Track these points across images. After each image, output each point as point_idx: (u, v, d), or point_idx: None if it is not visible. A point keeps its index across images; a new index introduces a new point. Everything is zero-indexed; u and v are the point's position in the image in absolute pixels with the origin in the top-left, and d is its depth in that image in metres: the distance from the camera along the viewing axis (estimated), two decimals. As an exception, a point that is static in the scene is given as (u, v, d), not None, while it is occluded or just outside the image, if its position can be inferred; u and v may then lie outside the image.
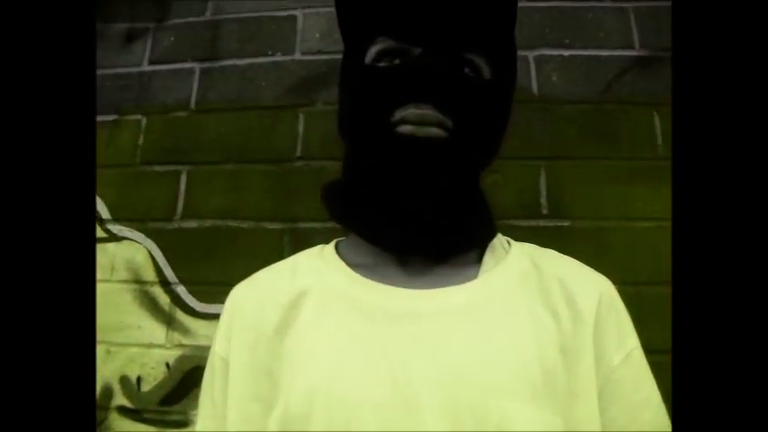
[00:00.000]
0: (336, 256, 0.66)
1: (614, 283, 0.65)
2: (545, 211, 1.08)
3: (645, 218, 1.08)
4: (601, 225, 1.06)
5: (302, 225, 1.09)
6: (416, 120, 0.57)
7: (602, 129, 1.13)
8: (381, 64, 0.61)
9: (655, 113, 1.14)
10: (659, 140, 1.12)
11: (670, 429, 0.62)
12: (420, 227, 0.60)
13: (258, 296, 0.65)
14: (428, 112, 0.57)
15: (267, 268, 0.70)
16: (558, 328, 0.59)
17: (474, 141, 0.60)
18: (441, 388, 0.54)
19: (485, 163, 0.65)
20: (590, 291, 0.63)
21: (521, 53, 1.04)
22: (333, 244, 0.69)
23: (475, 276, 0.62)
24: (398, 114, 0.57)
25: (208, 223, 1.13)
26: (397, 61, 0.60)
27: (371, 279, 0.62)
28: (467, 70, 0.60)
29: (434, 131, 0.57)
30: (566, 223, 1.06)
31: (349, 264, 0.64)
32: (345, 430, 0.54)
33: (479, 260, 0.64)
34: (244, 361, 0.62)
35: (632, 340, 0.64)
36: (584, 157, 1.11)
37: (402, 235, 0.61)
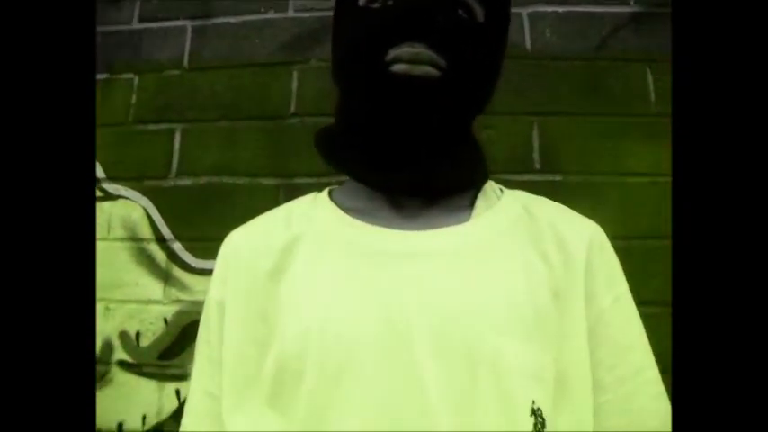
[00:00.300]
0: (330, 202, 0.67)
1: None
2: (537, 166, 1.09)
3: (637, 173, 1.09)
4: (593, 180, 1.08)
5: (297, 180, 1.10)
6: (410, 58, 0.57)
7: (595, 85, 1.13)
8: (374, 5, 0.61)
9: (648, 70, 1.14)
10: (652, 97, 1.13)
11: (656, 370, 0.64)
12: (413, 167, 0.61)
13: (253, 241, 0.66)
14: (422, 50, 0.57)
15: (261, 216, 0.70)
16: (550, 271, 0.61)
17: (467, 83, 0.60)
18: (434, 325, 0.55)
19: (477, 107, 0.66)
20: (581, 235, 0.64)
21: (514, 10, 1.04)
22: (326, 191, 0.70)
23: (467, 220, 0.63)
24: (392, 53, 0.57)
25: (203, 180, 1.14)
26: (390, 2, 0.60)
27: (365, 222, 0.63)
28: (460, 11, 0.60)
29: (428, 70, 0.57)
30: (558, 178, 1.07)
31: (342, 208, 0.65)
32: (340, 368, 0.55)
33: (472, 205, 0.65)
34: (239, 304, 0.63)
35: (621, 284, 0.65)
36: (577, 113, 1.12)
37: (395, 176, 0.61)
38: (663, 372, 0.63)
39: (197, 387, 0.65)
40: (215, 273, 0.67)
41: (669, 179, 1.08)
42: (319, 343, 0.56)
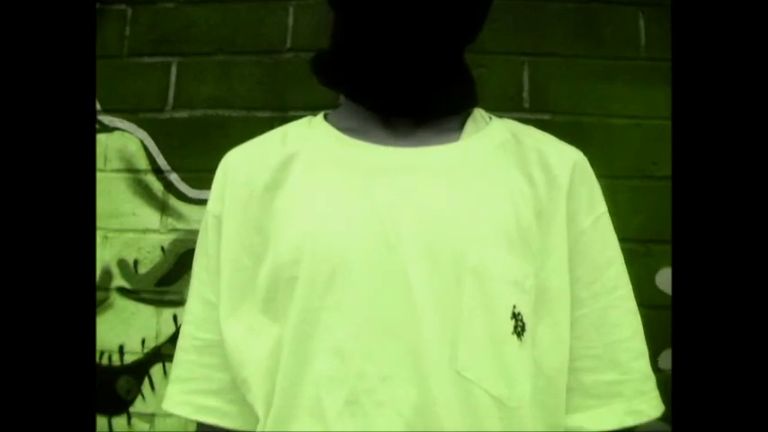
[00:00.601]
0: (325, 123, 0.70)
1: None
2: (527, 105, 1.12)
3: (623, 115, 1.12)
4: (580, 120, 1.10)
5: (292, 114, 1.11)
6: None
7: (587, 27, 1.14)
8: None
9: (641, 14, 1.15)
10: (643, 41, 1.15)
11: (629, 288, 0.68)
12: (407, 87, 0.63)
13: (250, 158, 0.69)
14: None
15: (258, 137, 0.73)
16: (534, 192, 0.64)
17: (460, 2, 0.62)
18: (423, 233, 0.58)
19: (470, 32, 0.67)
20: (565, 160, 0.67)
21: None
22: (321, 114, 0.72)
23: (456, 140, 0.66)
24: None
25: (199, 113, 1.15)
26: None
27: (359, 140, 0.65)
28: None
29: None
30: (546, 117, 1.10)
31: (337, 128, 0.68)
32: (332, 273, 0.59)
33: (461, 128, 0.68)
34: (236, 217, 0.66)
35: (601, 206, 0.68)
36: (567, 55, 1.13)
37: (388, 95, 0.63)
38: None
39: (195, 295, 0.69)
40: (213, 188, 0.70)
41: (654, 122, 1.12)
42: (313, 249, 0.59)
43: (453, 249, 0.58)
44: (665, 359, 1.07)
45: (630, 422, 0.64)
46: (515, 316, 0.58)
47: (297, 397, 0.58)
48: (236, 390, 0.65)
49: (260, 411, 0.60)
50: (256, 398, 0.61)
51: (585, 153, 0.70)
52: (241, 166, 0.68)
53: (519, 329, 0.58)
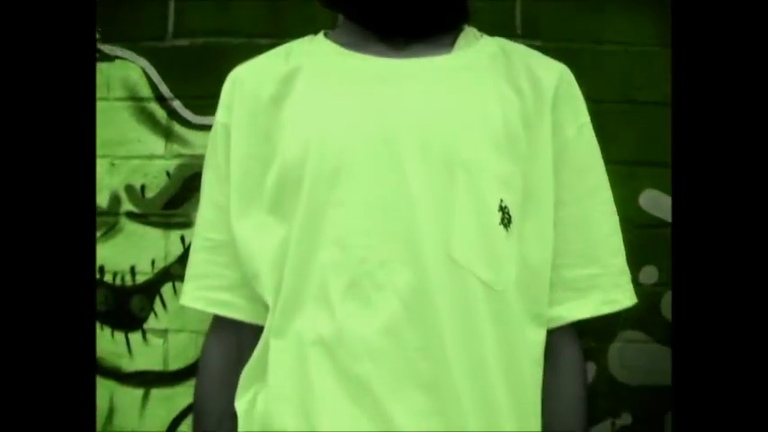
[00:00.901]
0: (326, 39, 0.74)
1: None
2: (519, 32, 1.15)
3: (612, 41, 1.16)
4: (571, 46, 1.13)
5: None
6: None
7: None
8: None
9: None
10: (633, -32, 1.17)
11: (609, 192, 0.74)
12: (401, 4, 0.67)
13: (256, 72, 0.73)
14: None
15: (262, 54, 0.77)
16: (522, 102, 0.69)
17: None
18: (418, 132, 0.64)
19: None
20: (551, 73, 0.72)
21: None
22: (321, 32, 0.76)
23: (449, 53, 0.71)
24: None
25: (200, 41, 1.18)
26: None
27: (358, 53, 0.70)
28: None
29: None
30: (537, 43, 1.13)
31: (337, 44, 0.72)
32: (335, 171, 0.64)
33: (454, 44, 0.72)
34: (244, 126, 0.71)
35: (584, 116, 0.74)
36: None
37: (384, 13, 0.67)
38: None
39: (206, 199, 0.74)
40: (221, 101, 0.75)
41: (642, 48, 1.16)
42: (318, 150, 0.64)
43: (446, 147, 0.63)
44: (646, 274, 1.15)
45: (606, 310, 0.71)
46: (502, 209, 0.64)
47: (303, 284, 0.64)
48: (246, 286, 0.71)
49: (270, 301, 0.67)
50: (266, 289, 0.67)
51: (575, 77, 0.74)
52: (248, 78, 0.72)
53: (506, 221, 0.64)
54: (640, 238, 1.11)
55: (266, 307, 0.68)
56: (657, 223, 1.15)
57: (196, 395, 0.77)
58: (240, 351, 0.72)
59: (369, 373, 0.60)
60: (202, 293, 0.74)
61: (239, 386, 0.70)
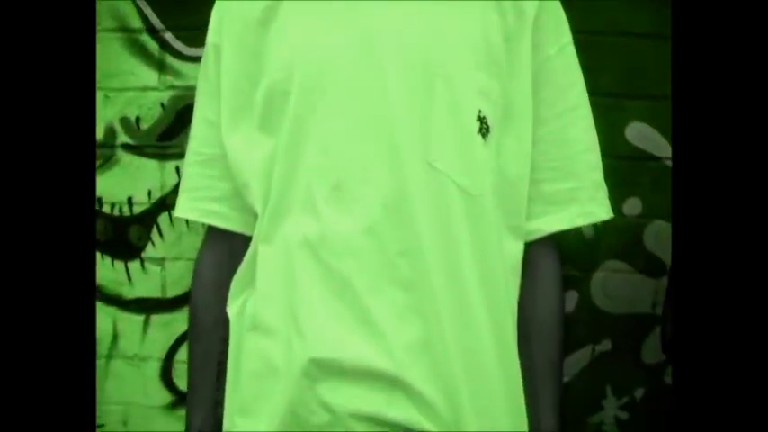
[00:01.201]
0: None
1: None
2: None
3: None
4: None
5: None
6: None
7: None
8: None
9: None
10: None
11: (589, 110, 0.76)
12: None
13: None
14: None
15: None
16: (503, 21, 0.70)
17: None
18: (399, 45, 0.66)
19: None
20: None
21: None
22: None
23: None
24: None
25: (189, -28, 1.17)
26: None
27: None
28: None
29: None
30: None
31: None
32: (321, 84, 0.66)
33: None
34: (233, 45, 0.73)
35: (566, 36, 0.75)
36: None
37: None
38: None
39: (198, 116, 0.77)
40: (211, 23, 0.76)
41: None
42: (303, 66, 0.67)
43: (426, 59, 0.65)
44: (629, 206, 1.18)
45: (581, 222, 0.74)
46: (481, 119, 0.66)
47: (290, 190, 0.67)
48: (237, 197, 0.74)
49: (258, 209, 0.70)
50: (256, 197, 0.70)
51: (564, 9, 0.75)
52: (235, 2, 0.74)
53: (483, 131, 0.66)
54: (625, 170, 1.13)
55: (256, 217, 0.71)
56: (643, 156, 1.17)
57: (190, 304, 0.81)
58: (232, 261, 0.76)
59: (350, 269, 0.64)
60: (195, 205, 0.77)
61: (230, 293, 0.74)
